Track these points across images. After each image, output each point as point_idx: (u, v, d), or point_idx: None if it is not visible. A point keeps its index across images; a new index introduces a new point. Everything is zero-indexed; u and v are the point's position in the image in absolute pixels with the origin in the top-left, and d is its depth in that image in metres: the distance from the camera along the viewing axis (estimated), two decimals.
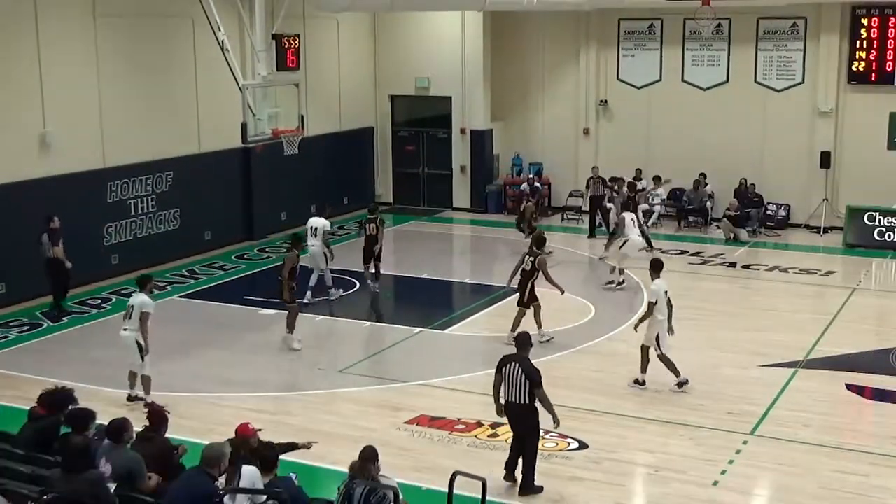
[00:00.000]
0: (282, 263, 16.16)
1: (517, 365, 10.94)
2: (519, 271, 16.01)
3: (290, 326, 15.93)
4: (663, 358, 13.94)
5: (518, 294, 16.00)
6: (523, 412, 10.96)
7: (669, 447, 12.24)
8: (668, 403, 13.61)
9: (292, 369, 15.41)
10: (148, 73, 20.68)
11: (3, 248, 17.47)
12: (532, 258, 15.92)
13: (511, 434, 11.38)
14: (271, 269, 20.36)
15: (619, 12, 25.51)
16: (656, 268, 14.40)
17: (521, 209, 22.63)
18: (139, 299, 13.47)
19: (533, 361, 11.10)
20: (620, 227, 19.93)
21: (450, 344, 16.53)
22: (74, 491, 7.51)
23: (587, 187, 24.61)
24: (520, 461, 11.10)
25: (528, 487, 10.97)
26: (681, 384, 13.98)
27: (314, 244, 18.44)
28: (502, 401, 11.07)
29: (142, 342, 13.33)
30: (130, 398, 13.41)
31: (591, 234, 24.12)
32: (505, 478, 11.08)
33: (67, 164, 18.92)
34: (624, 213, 20.06)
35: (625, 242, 19.43)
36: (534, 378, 10.81)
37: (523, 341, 11.22)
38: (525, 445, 11.05)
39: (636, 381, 14.17)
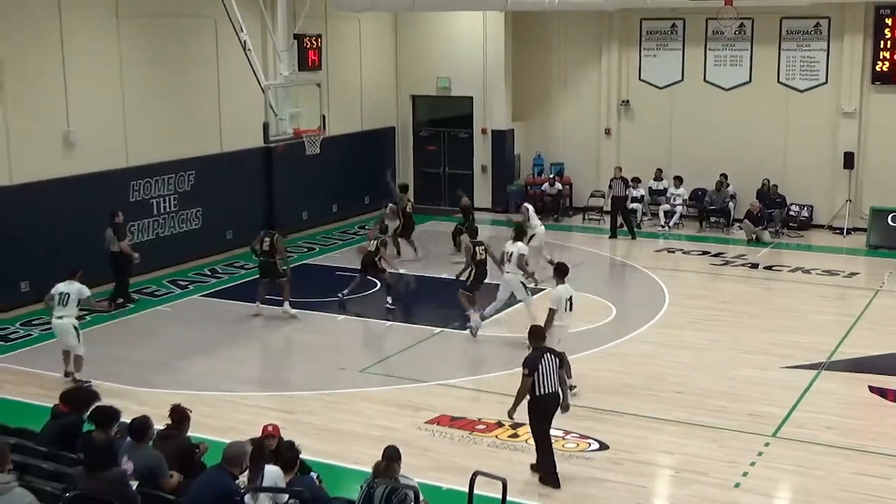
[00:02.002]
0: (272, 246, 17.77)
1: (552, 355, 11.17)
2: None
3: (286, 296, 17.53)
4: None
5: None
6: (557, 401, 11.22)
7: (690, 448, 12.20)
8: (688, 405, 13.56)
9: (313, 369, 15.44)
10: (170, 73, 20.78)
11: (26, 247, 17.55)
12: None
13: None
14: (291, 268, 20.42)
15: (641, 12, 25.43)
16: (561, 273, 14.07)
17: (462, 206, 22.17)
18: (75, 287, 14.37)
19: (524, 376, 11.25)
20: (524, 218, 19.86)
21: (470, 344, 16.52)
22: (97, 488, 7.55)
23: (609, 187, 24.55)
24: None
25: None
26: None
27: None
28: (540, 392, 11.07)
29: (77, 325, 14.33)
30: (67, 374, 14.41)
31: (613, 235, 24.05)
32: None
33: (90, 163, 19.04)
34: (526, 203, 20.07)
35: (532, 236, 19.29)
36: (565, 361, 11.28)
37: (540, 333, 11.50)
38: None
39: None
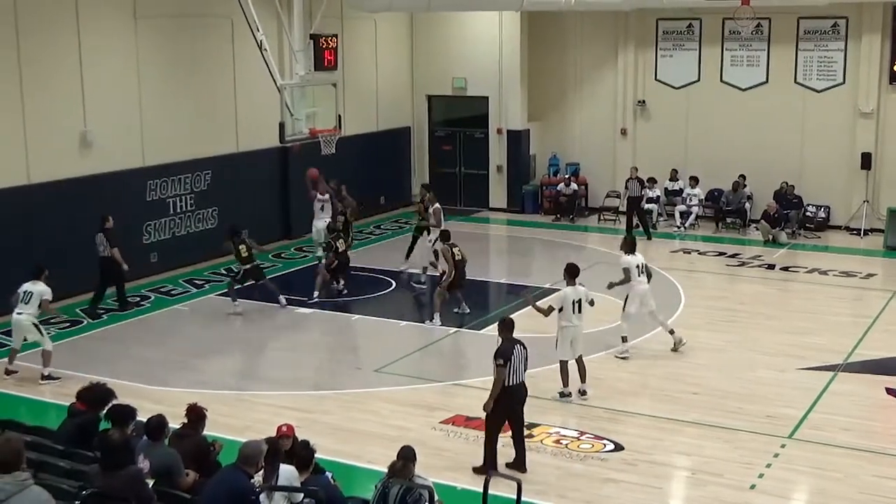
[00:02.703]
0: (249, 252, 17.90)
1: (521, 346, 11.39)
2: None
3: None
4: (561, 364, 13.72)
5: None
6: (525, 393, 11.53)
7: (706, 450, 12.16)
8: (704, 406, 13.52)
9: (329, 368, 15.47)
10: (187, 73, 20.85)
11: (44, 246, 17.62)
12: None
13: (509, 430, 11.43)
14: (307, 267, 20.44)
15: (657, 12, 25.37)
16: (571, 274, 13.98)
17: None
18: (39, 288, 14.54)
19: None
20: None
21: (486, 344, 16.47)
22: (113, 487, 7.57)
23: (625, 188, 24.50)
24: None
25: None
26: (563, 394, 13.72)
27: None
28: (510, 382, 11.29)
29: (37, 322, 14.57)
30: (7, 372, 14.67)
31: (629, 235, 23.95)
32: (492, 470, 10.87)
33: (108, 162, 19.12)
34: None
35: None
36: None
37: (510, 325, 11.64)
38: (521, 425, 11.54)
39: (580, 392, 13.82)
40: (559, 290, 19.18)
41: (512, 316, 12.35)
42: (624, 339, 15.45)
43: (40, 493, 6.61)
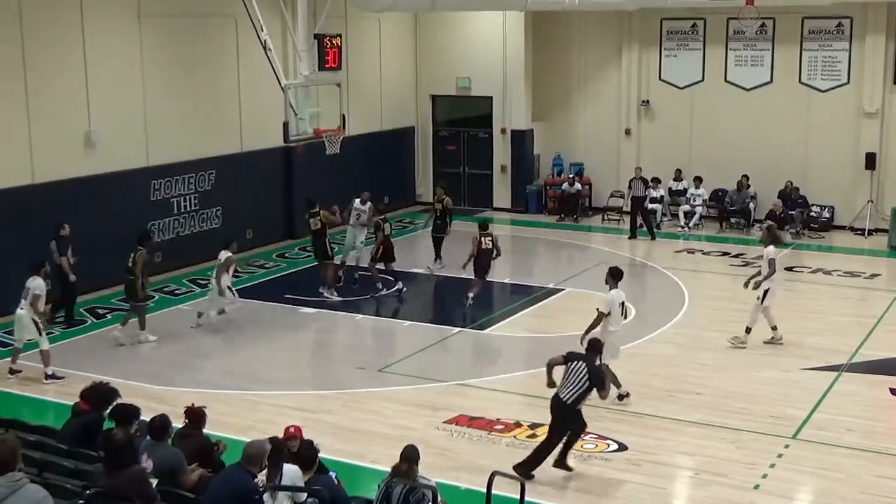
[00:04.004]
0: (134, 263, 16.07)
1: (583, 364, 11.30)
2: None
3: (142, 324, 16.27)
4: (606, 368, 12.99)
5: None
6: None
7: (710, 450, 12.15)
8: (708, 406, 13.51)
9: (332, 368, 15.48)
10: (191, 73, 20.87)
11: (47, 246, 17.59)
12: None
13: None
14: (311, 268, 20.43)
15: (661, 12, 25.34)
16: (615, 276, 13.71)
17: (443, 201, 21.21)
18: (35, 283, 14.51)
19: (560, 356, 11.42)
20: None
21: (489, 344, 16.53)
22: (117, 486, 7.57)
23: (629, 188, 24.48)
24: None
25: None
26: (622, 396, 13.50)
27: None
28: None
29: (37, 319, 14.41)
30: (12, 372, 14.63)
31: (633, 236, 23.96)
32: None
33: (112, 162, 19.13)
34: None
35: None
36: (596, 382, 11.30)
37: (596, 347, 11.70)
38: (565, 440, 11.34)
39: (619, 397, 13.48)
40: (563, 289, 19.30)
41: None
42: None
43: (36, 490, 6.61)
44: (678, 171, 25.29)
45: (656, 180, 24.78)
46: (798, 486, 11.51)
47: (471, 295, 17.85)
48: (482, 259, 17.99)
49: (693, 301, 18.60)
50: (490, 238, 18.05)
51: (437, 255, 20.90)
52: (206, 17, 20.97)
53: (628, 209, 24.72)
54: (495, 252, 18.22)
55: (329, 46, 22.08)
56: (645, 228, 23.80)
